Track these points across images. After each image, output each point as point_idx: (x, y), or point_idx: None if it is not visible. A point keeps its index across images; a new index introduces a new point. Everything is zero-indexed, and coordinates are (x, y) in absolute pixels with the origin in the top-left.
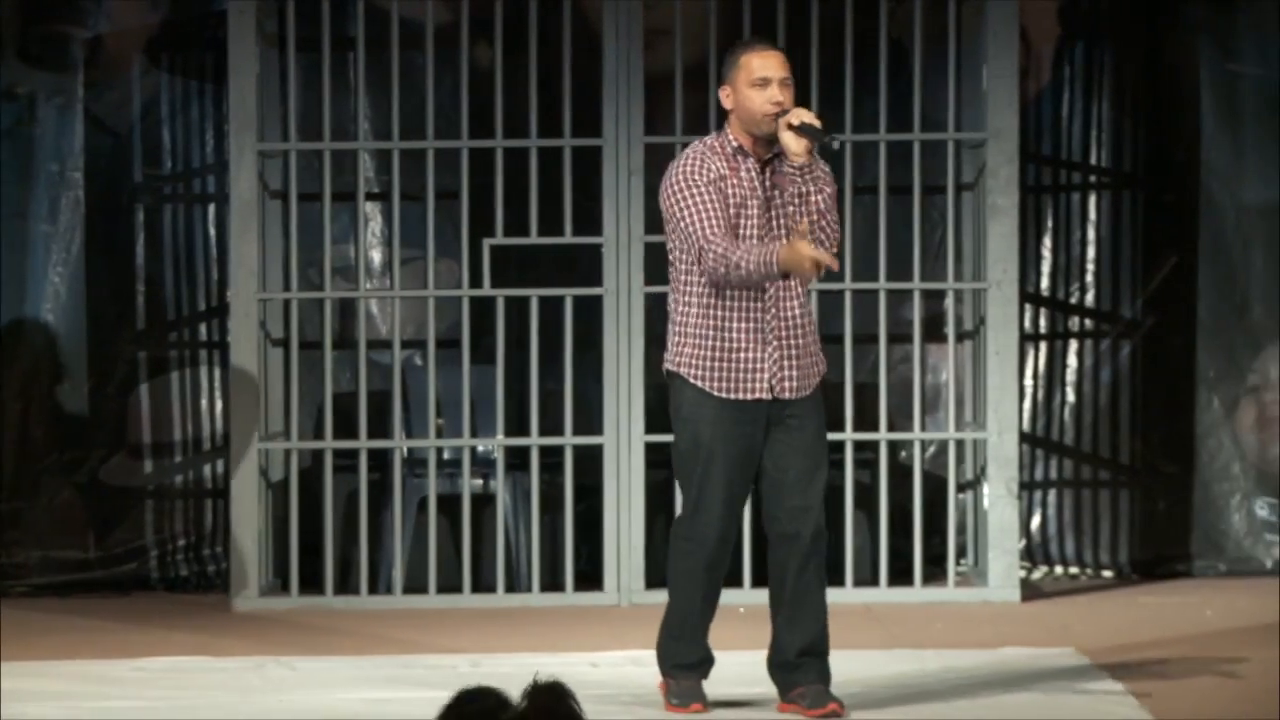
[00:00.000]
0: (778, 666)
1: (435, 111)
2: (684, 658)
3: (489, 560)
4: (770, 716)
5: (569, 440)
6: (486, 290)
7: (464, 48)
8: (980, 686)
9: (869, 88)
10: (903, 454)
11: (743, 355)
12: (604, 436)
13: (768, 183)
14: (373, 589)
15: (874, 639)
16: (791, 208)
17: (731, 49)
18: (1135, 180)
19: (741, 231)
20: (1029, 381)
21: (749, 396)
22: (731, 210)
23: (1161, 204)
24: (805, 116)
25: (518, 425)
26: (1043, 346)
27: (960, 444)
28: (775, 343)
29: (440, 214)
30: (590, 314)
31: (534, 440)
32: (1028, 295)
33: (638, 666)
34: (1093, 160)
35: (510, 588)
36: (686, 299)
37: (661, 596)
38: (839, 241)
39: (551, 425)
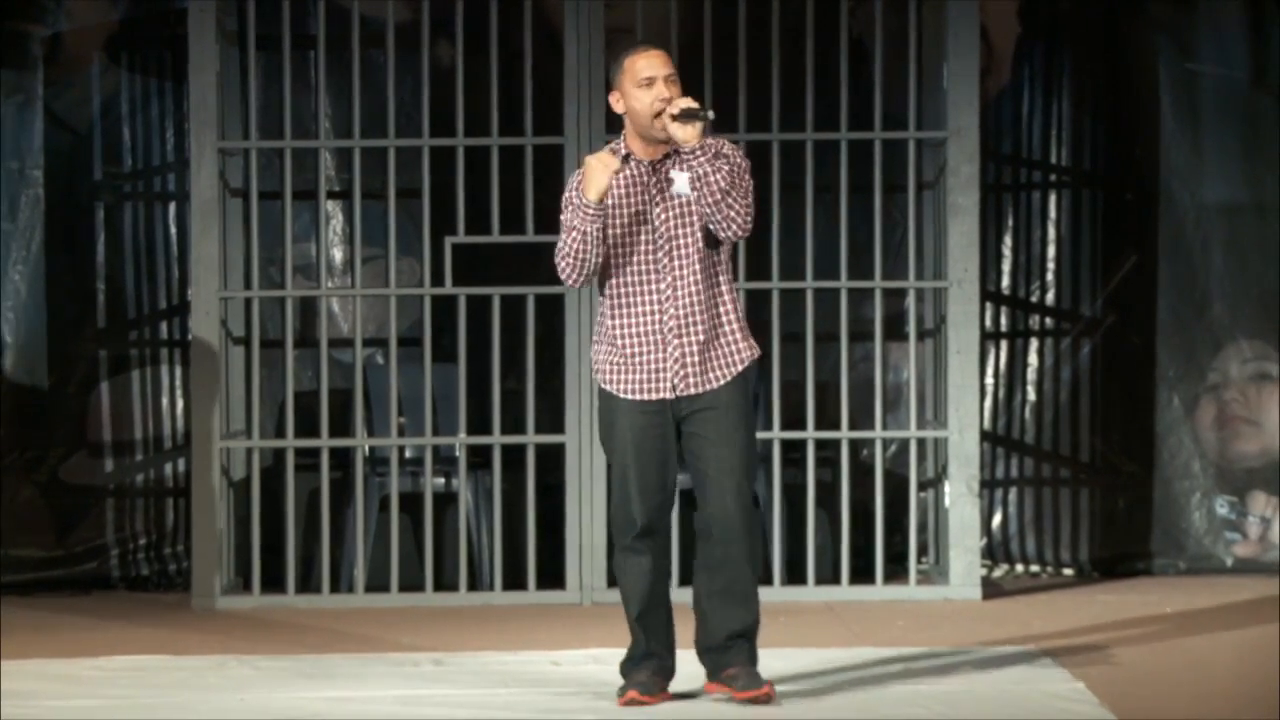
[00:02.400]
0: (707, 650)
1: (396, 110)
2: (630, 650)
3: (451, 559)
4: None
5: (531, 439)
6: (448, 289)
7: (425, 46)
8: (942, 684)
9: (830, 87)
10: (864, 452)
11: (645, 358)
12: (566, 435)
13: (657, 183)
14: (334, 587)
15: (836, 637)
16: (674, 210)
17: (615, 54)
18: (1095, 179)
19: (628, 234)
20: (990, 380)
21: (653, 397)
22: (618, 217)
23: (1121, 203)
24: (683, 103)
25: (480, 424)
26: (1003, 345)
27: (921, 442)
28: (675, 342)
29: (402, 212)
30: (552, 312)
31: (496, 439)
32: (988, 294)
33: (599, 664)
34: (1053, 159)
35: (473, 586)
36: (600, 306)
37: None
38: (751, 212)
39: (513, 424)
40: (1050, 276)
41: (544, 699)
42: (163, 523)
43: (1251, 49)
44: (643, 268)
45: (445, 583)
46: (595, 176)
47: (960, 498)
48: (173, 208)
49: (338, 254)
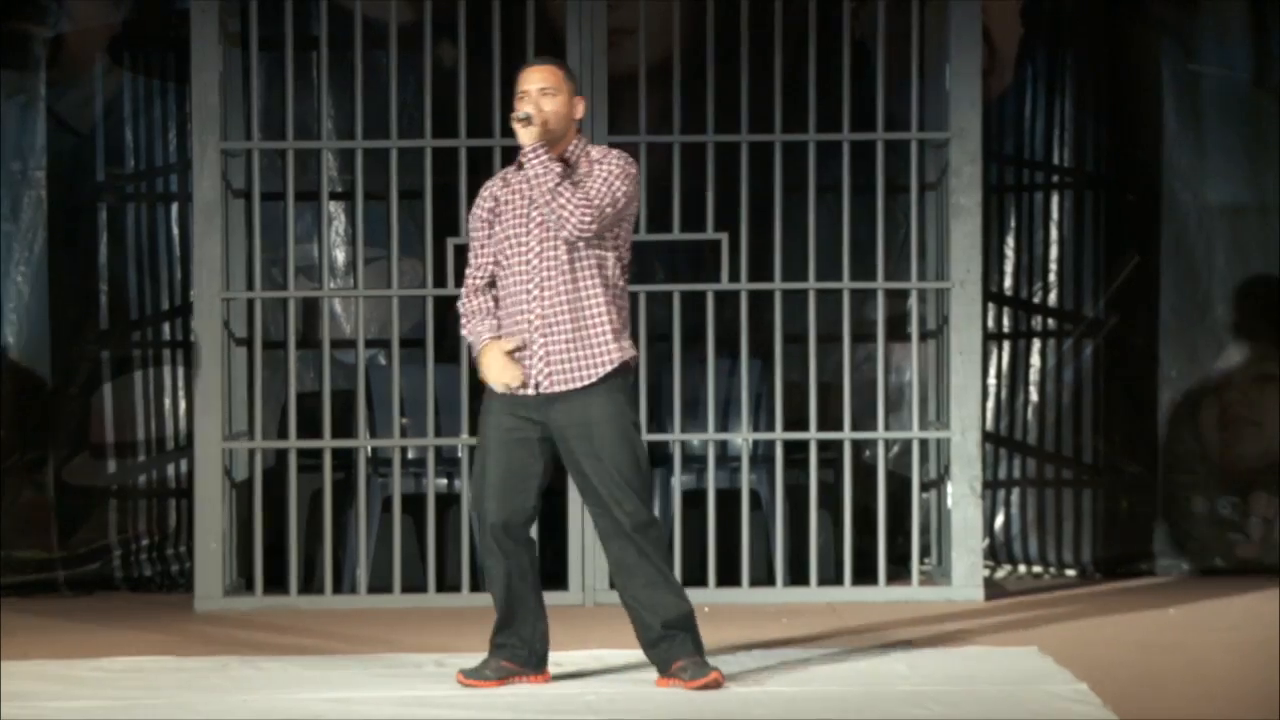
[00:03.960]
0: (650, 646)
1: (399, 111)
2: (491, 639)
3: (454, 559)
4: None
5: None
6: (450, 289)
7: (427, 47)
8: (944, 686)
9: (832, 88)
10: (866, 453)
11: (528, 355)
12: None
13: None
14: (337, 588)
15: (838, 638)
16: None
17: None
18: (1098, 180)
19: (511, 235)
20: (992, 381)
21: (519, 391)
22: (506, 216)
23: (1124, 203)
24: (523, 107)
25: None
26: (1006, 346)
27: (924, 443)
28: (540, 340)
29: (404, 213)
30: None
31: None
32: (991, 294)
33: (602, 665)
34: (1055, 160)
35: (475, 587)
36: None
37: None
38: (588, 213)
39: None
40: (1053, 277)
41: (546, 700)
42: (165, 524)
43: (1254, 49)
44: (520, 267)
45: (448, 583)
46: (491, 378)
47: (963, 498)
48: (175, 209)
49: (340, 255)
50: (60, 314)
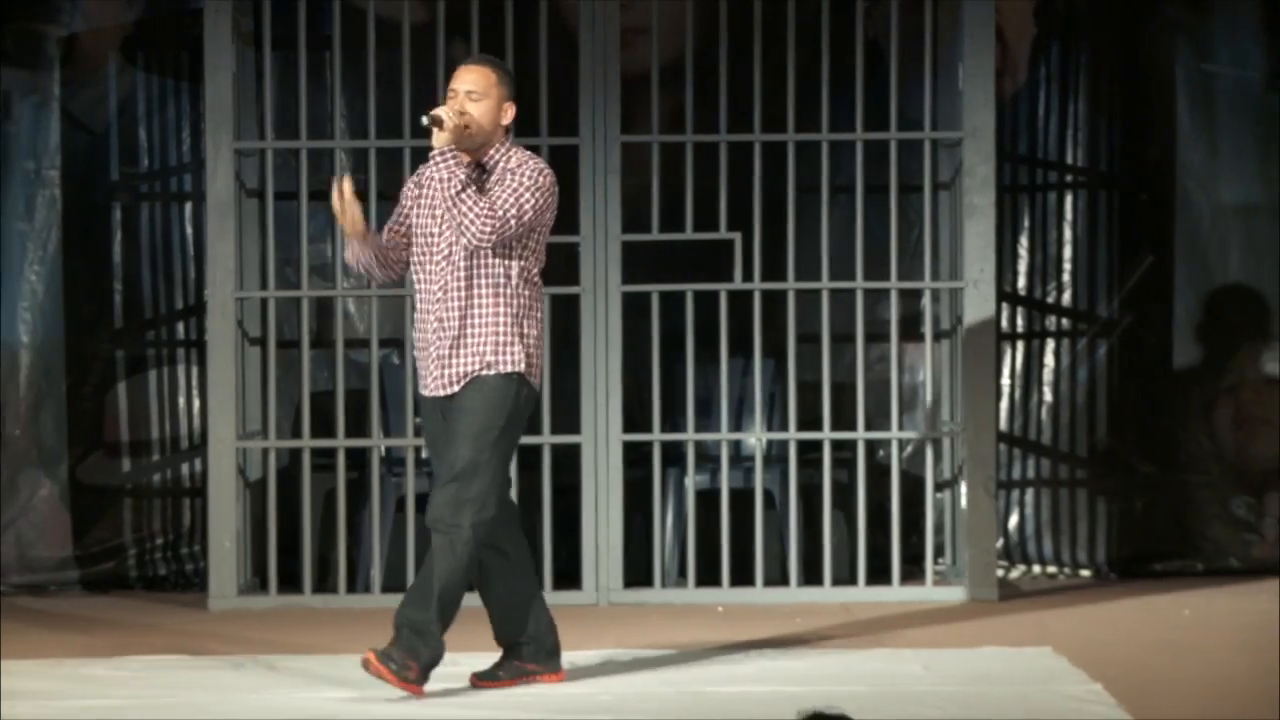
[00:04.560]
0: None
1: (411, 110)
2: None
3: None
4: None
5: (547, 439)
6: None
7: (440, 46)
8: (958, 686)
9: (846, 87)
10: (880, 453)
11: (422, 355)
12: (582, 435)
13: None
14: (351, 588)
15: (852, 638)
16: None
17: None
18: (1111, 179)
19: (422, 237)
20: (1006, 380)
21: (425, 392)
22: (418, 219)
23: (1138, 203)
24: (437, 110)
25: None
26: (1019, 345)
27: (937, 443)
28: (437, 342)
29: None
30: (567, 313)
31: None
32: (1004, 294)
33: (615, 665)
34: (1069, 159)
35: None
36: None
37: (640, 595)
38: (489, 223)
39: (529, 424)
40: (1066, 277)
41: (560, 700)
42: (179, 523)
43: (1268, 50)
44: (430, 267)
45: None
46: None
47: (977, 498)
48: (189, 208)
49: None
50: (74, 313)
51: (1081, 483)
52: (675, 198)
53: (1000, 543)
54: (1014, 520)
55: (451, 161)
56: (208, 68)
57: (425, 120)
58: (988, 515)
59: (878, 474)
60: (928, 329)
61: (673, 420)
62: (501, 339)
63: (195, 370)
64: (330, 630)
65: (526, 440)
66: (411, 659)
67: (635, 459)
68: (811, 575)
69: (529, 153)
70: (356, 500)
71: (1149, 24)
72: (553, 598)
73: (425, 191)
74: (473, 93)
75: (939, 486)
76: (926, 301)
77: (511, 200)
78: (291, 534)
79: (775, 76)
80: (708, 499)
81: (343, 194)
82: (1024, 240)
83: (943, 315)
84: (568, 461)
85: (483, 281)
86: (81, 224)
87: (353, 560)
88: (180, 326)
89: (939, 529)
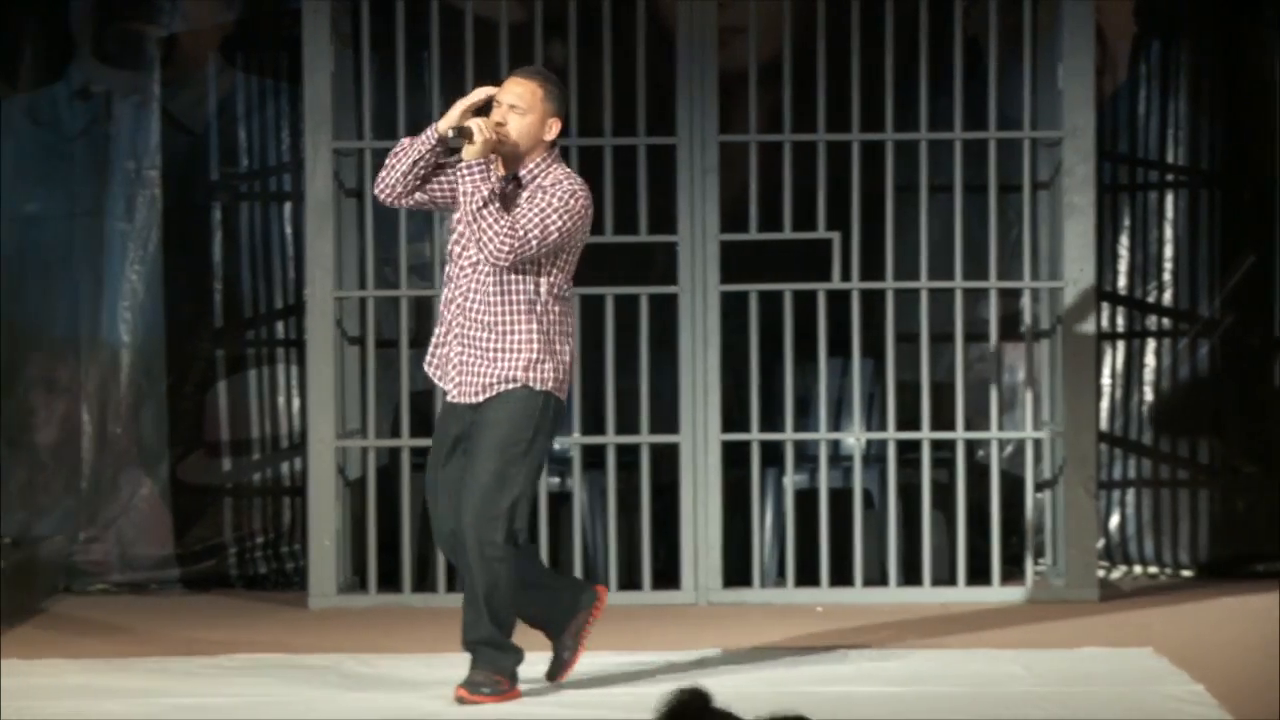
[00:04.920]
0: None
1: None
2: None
3: (566, 558)
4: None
5: (645, 439)
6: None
7: (538, 46)
8: (1058, 686)
9: (944, 86)
10: (980, 453)
11: (444, 352)
12: (680, 435)
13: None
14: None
15: (952, 639)
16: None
17: None
18: (1212, 178)
19: (456, 242)
20: (1106, 380)
21: (447, 397)
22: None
23: (1239, 202)
24: (470, 122)
25: (594, 424)
26: (1120, 345)
27: (1038, 443)
28: (458, 348)
29: None
30: (666, 312)
31: (610, 439)
32: (1105, 294)
33: (713, 665)
34: (1169, 158)
35: None
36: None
37: (739, 595)
38: (509, 243)
39: (628, 424)
40: (1167, 276)
41: (650, 698)
42: (279, 522)
43: None
44: (457, 273)
45: None
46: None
47: (1077, 499)
48: (288, 208)
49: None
50: (175, 313)
51: (1183, 483)
52: (773, 197)
53: (1101, 543)
54: (1115, 520)
55: (478, 175)
56: (306, 68)
57: (451, 133)
58: (1088, 515)
59: (977, 474)
60: (1027, 329)
61: (771, 420)
62: (534, 357)
63: (295, 370)
64: (429, 629)
65: (625, 439)
66: (497, 673)
67: (734, 459)
68: (911, 575)
69: (568, 171)
70: None
71: (1250, 21)
72: (651, 597)
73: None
74: (516, 106)
75: (1039, 487)
76: (1026, 301)
77: (536, 221)
78: (391, 533)
79: (874, 75)
80: (806, 499)
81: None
82: (1124, 240)
83: (1042, 315)
84: (666, 461)
85: (513, 297)
86: (181, 224)
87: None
88: (280, 326)
89: (1039, 529)
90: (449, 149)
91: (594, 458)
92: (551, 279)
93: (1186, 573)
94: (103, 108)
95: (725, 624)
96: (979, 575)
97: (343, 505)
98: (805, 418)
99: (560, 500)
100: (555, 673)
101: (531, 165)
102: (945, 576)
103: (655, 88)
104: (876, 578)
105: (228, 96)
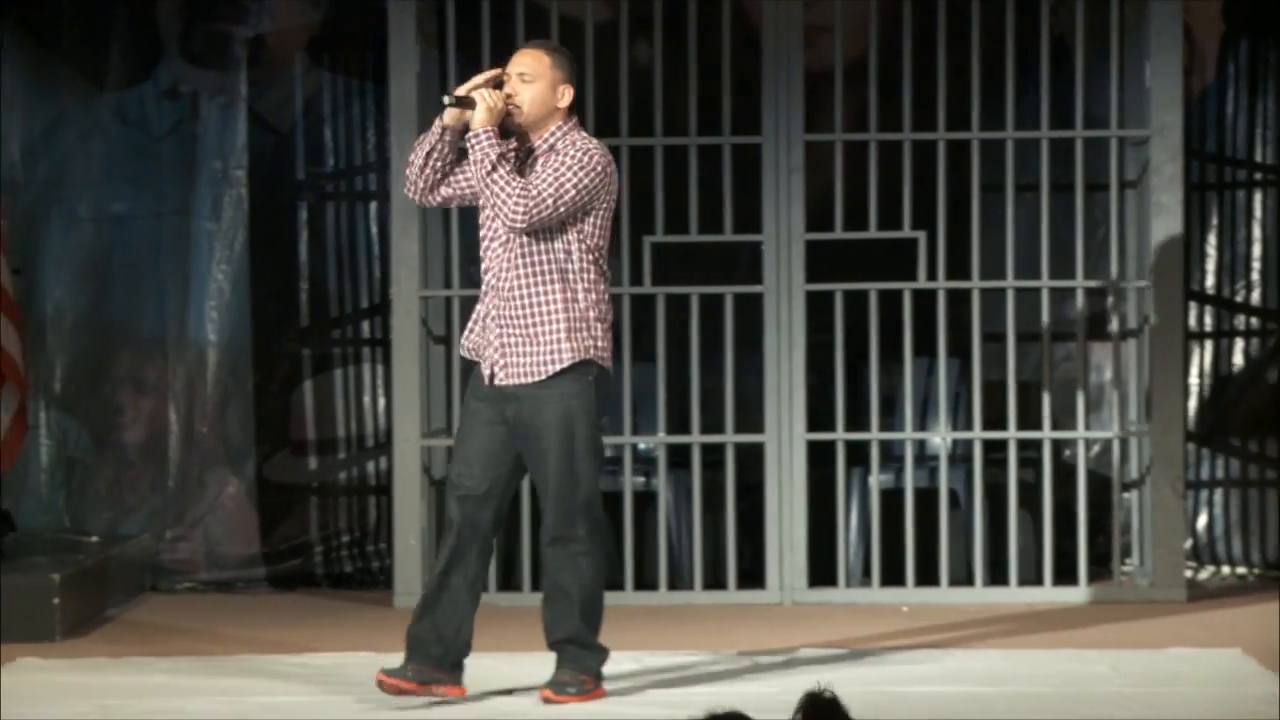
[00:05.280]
0: (551, 648)
1: (595, 109)
2: (409, 627)
3: (651, 558)
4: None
5: (730, 438)
6: (647, 288)
7: (623, 45)
8: (1145, 687)
9: (1031, 85)
10: (1066, 453)
11: (482, 338)
12: (765, 434)
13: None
14: (535, 586)
15: (1038, 639)
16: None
17: None
18: None
19: (487, 222)
20: (1194, 380)
21: (483, 376)
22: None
23: None
24: (470, 90)
25: (679, 423)
26: (1208, 344)
27: (1124, 443)
28: (496, 330)
29: None
30: (751, 311)
31: (695, 438)
32: (1192, 293)
33: (798, 664)
34: (1258, 157)
35: (673, 585)
36: None
37: (824, 594)
38: (523, 204)
39: (713, 423)
40: (1255, 275)
41: (742, 699)
42: (365, 521)
43: None
44: (487, 254)
45: (646, 581)
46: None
47: (1164, 498)
48: (374, 207)
49: None
50: (261, 312)
51: (1271, 483)
52: (859, 196)
53: (1188, 543)
54: (1203, 520)
55: (485, 142)
56: (392, 68)
57: (447, 100)
58: (1176, 515)
59: (1064, 474)
60: (1114, 328)
61: (856, 419)
62: (571, 327)
63: (380, 369)
64: (515, 628)
65: (710, 438)
66: (583, 673)
67: (819, 458)
68: (997, 575)
69: (584, 134)
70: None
71: None
72: (736, 597)
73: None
74: (524, 74)
75: (1126, 486)
76: (1113, 300)
77: (550, 180)
78: None
79: (960, 74)
80: (892, 498)
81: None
82: (1212, 239)
83: (1130, 314)
84: (752, 460)
85: (545, 269)
86: (268, 223)
87: (537, 559)
88: (365, 325)
89: (1126, 529)
90: (462, 135)
91: (679, 457)
92: (582, 245)
93: (1275, 573)
94: (190, 108)
95: (810, 624)
96: (1065, 575)
97: (427, 504)
98: (890, 417)
99: (645, 500)
100: (391, 674)
101: (547, 134)
102: (1031, 576)
103: (741, 87)
104: (962, 577)
105: (314, 96)
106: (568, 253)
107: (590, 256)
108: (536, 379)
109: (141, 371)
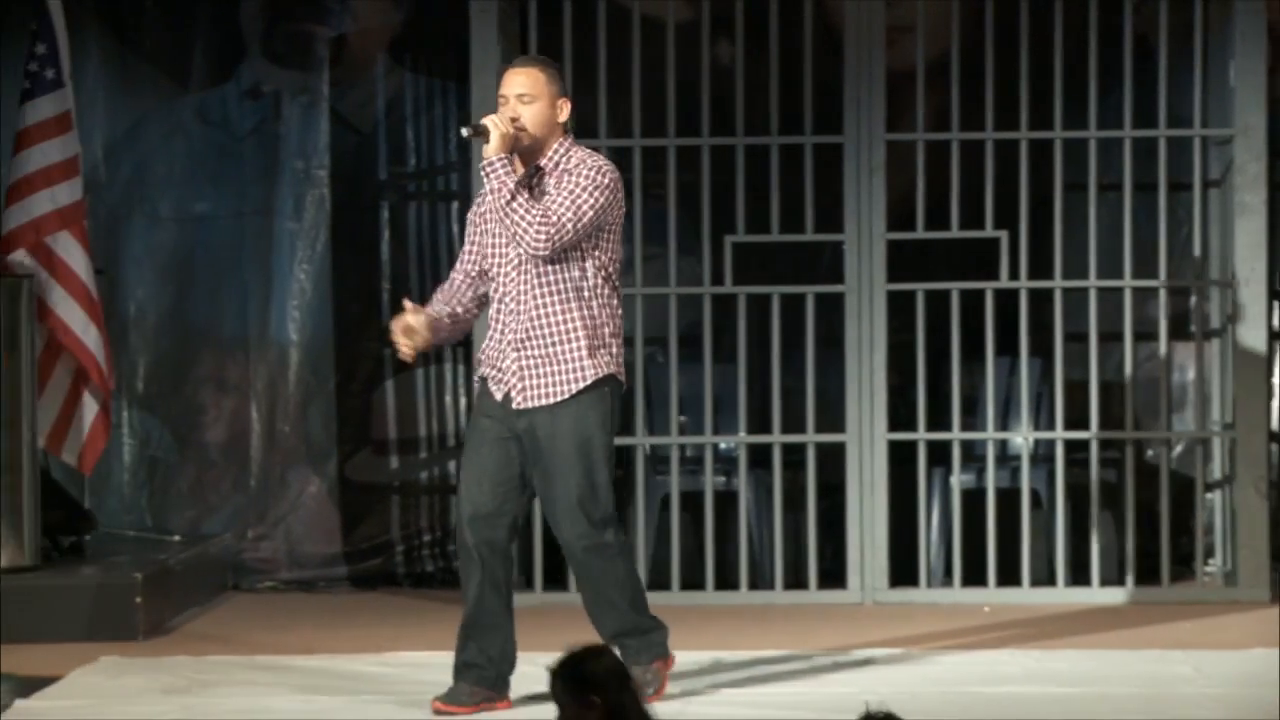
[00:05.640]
0: None
1: (676, 109)
2: (456, 658)
3: (732, 557)
4: None
5: (811, 438)
6: (728, 287)
7: (705, 45)
8: (1228, 688)
9: (1114, 84)
10: (1149, 453)
11: (497, 357)
12: (846, 434)
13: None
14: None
15: (1121, 639)
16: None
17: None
18: None
19: (493, 246)
20: (1278, 379)
21: (495, 395)
22: (490, 225)
23: None
24: (484, 120)
25: (760, 423)
26: None
27: (1208, 443)
28: (514, 354)
29: (681, 211)
30: (832, 311)
31: (776, 438)
32: (1276, 293)
33: (879, 665)
34: None
35: (754, 585)
36: None
37: (905, 595)
38: (545, 230)
39: (793, 423)
40: None
41: (823, 699)
42: (446, 520)
43: None
44: (499, 280)
45: (726, 581)
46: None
47: (1248, 499)
48: (455, 207)
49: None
50: (343, 311)
51: None
52: (940, 195)
53: (1273, 544)
54: None
55: (501, 171)
56: (474, 68)
57: (466, 132)
58: (1259, 516)
59: (1147, 474)
60: (1197, 328)
61: (938, 419)
62: (591, 345)
63: (461, 368)
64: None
65: (790, 438)
66: (654, 659)
67: (900, 458)
68: (1079, 575)
69: (589, 151)
70: (621, 499)
71: None
72: (817, 597)
73: (488, 207)
74: (524, 95)
75: (1209, 487)
76: (1196, 300)
77: (568, 204)
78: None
79: (1042, 73)
80: (973, 498)
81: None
82: None
83: (1213, 314)
84: (832, 460)
85: (562, 289)
86: (350, 223)
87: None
88: None
89: (1209, 529)
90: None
91: (760, 457)
92: (597, 262)
93: None
94: (272, 107)
95: (891, 624)
96: (1148, 575)
97: None
98: (972, 417)
99: (726, 500)
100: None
101: (551, 152)
102: (1113, 576)
103: (822, 86)
104: (1044, 578)
105: (396, 96)
106: (583, 271)
107: (603, 273)
108: (558, 399)
109: (223, 371)
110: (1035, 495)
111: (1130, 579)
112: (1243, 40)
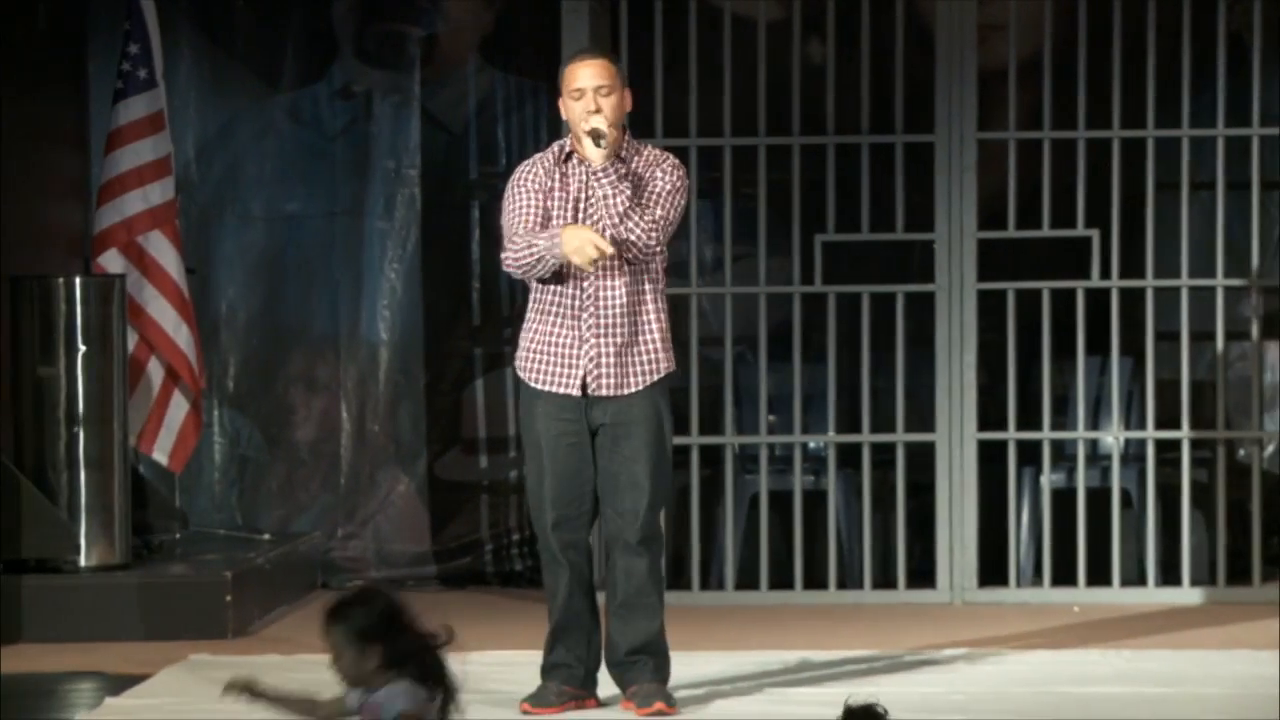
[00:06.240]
0: (614, 665)
1: (766, 108)
2: (544, 660)
3: (821, 557)
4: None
5: (900, 437)
6: (818, 287)
7: (796, 44)
8: None
9: (1207, 82)
10: (1241, 452)
11: (560, 352)
12: (936, 434)
13: (588, 187)
14: (704, 584)
15: (1211, 639)
16: (595, 211)
17: (563, 61)
18: None
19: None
20: None
21: (562, 390)
22: (557, 214)
23: None
24: (595, 122)
25: (849, 422)
26: None
27: None
28: (592, 339)
29: (772, 210)
30: (922, 310)
31: (865, 437)
32: None
33: (968, 664)
34: None
35: (842, 584)
36: (528, 299)
37: (995, 594)
38: (655, 233)
39: (883, 422)
40: None
41: (912, 699)
42: None
43: None
44: (570, 268)
45: (815, 581)
46: (581, 252)
47: None
48: None
49: (708, 252)
50: (433, 311)
51: None
52: (1032, 194)
53: None
54: None
55: (614, 176)
56: None
57: (589, 131)
58: None
59: (1238, 474)
60: None
61: (1028, 419)
62: (665, 339)
63: None
64: (683, 627)
65: (880, 438)
66: (658, 679)
67: (990, 457)
68: (1169, 575)
69: (649, 145)
70: (710, 498)
71: None
72: (906, 596)
73: (559, 191)
74: (602, 88)
75: None
76: None
77: (670, 207)
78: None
79: (1135, 72)
80: (1064, 498)
81: None
82: None
83: None
84: (922, 460)
85: (641, 282)
86: (440, 222)
87: (706, 557)
88: None
89: None
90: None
91: (849, 456)
92: (662, 257)
93: None
94: (363, 107)
95: (981, 623)
96: (1239, 575)
97: None
98: (1063, 416)
99: (816, 499)
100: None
101: (622, 149)
102: (1204, 576)
103: (913, 85)
104: (1134, 578)
105: (487, 96)
106: (659, 265)
107: (663, 268)
108: (634, 389)
109: (314, 370)
110: (1125, 495)
111: (1221, 579)
112: None
